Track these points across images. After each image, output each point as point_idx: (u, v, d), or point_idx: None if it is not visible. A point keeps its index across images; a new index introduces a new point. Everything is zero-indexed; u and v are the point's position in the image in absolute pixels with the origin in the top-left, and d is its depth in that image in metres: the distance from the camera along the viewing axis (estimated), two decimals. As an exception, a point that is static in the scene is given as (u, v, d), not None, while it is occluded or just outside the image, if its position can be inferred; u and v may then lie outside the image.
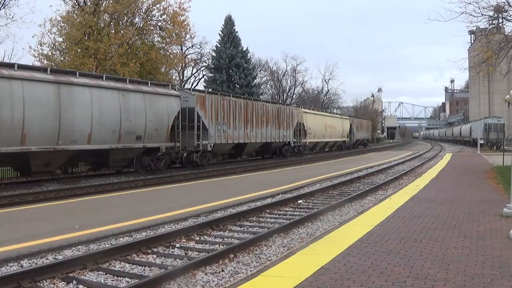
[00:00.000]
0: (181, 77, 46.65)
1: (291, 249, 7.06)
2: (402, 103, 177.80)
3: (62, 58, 30.07)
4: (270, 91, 67.98)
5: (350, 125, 54.49)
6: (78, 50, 29.50)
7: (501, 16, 21.15)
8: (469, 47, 43.12)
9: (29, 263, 6.61)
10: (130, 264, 6.78)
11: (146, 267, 6.65)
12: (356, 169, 22.85)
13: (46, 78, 15.89)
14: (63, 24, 29.94)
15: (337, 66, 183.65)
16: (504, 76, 23.31)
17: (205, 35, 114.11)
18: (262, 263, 6.67)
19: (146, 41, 32.77)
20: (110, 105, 18.08)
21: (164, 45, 34.17)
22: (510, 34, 21.99)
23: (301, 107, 41.86)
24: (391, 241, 6.86)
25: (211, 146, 23.89)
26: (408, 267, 5.49)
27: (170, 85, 23.44)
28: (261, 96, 53.30)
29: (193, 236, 8.46)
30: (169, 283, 5.81)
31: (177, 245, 7.87)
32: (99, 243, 7.80)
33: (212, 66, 48.32)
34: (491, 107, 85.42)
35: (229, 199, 12.26)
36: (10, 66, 15.38)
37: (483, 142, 48.26)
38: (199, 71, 51.02)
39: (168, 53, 34.76)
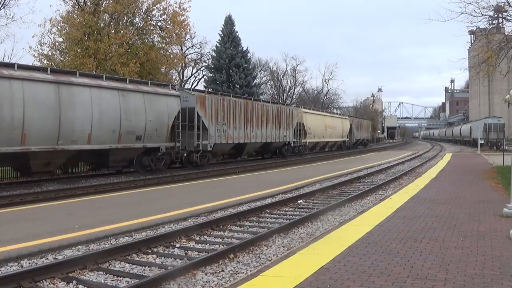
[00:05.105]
0: (181, 77, 46.65)
1: (291, 249, 7.05)
2: (402, 103, 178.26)
3: (62, 58, 30.06)
4: (270, 91, 67.98)
5: (350, 125, 54.47)
6: (78, 50, 29.50)
7: (501, 16, 21.15)
8: (469, 47, 43.04)
9: (29, 263, 6.61)
10: (130, 264, 6.78)
11: (146, 267, 6.65)
12: (356, 169, 22.85)
13: (46, 78, 15.89)
14: (63, 24, 29.94)
15: (337, 66, 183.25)
16: (504, 76, 23.29)
17: (205, 35, 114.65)
18: (262, 263, 6.67)
19: (146, 41, 32.77)
20: (110, 105, 18.08)
21: (164, 45, 34.18)
22: (510, 34, 21.99)
23: (301, 107, 41.83)
24: (391, 241, 6.86)
25: (211, 146, 23.89)
26: (408, 267, 5.49)
27: (170, 85, 23.44)
28: (261, 96, 53.24)
29: (193, 236, 8.47)
30: (169, 283, 5.81)
31: (177, 245, 7.87)
32: (99, 243, 7.80)
33: (212, 66, 48.28)
34: (491, 107, 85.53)
35: (229, 199, 12.25)
36: (10, 66, 15.39)
37: (483, 142, 48.24)
38: (199, 71, 51.04)
39: (168, 53, 34.77)
